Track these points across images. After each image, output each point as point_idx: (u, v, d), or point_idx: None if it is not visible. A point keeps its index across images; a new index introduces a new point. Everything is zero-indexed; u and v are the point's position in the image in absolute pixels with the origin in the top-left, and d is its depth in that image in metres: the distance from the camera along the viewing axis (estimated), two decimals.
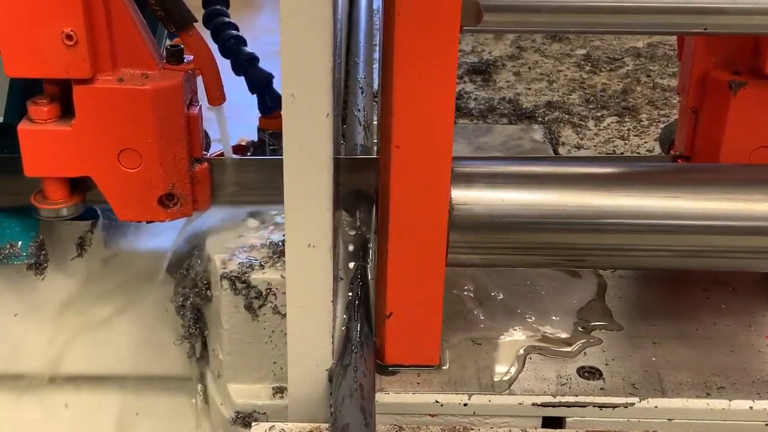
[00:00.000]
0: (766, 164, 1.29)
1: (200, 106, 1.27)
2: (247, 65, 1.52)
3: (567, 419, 1.13)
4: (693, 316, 1.29)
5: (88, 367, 1.49)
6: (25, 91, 1.35)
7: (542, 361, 1.19)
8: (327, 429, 1.05)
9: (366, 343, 1.10)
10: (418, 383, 1.14)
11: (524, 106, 2.07)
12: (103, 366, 1.49)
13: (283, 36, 0.94)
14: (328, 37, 0.95)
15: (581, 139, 1.92)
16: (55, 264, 1.40)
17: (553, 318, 1.27)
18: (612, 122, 1.99)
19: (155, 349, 1.46)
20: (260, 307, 1.29)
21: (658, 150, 1.81)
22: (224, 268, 1.29)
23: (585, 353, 1.21)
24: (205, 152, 1.30)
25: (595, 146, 1.89)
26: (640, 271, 1.38)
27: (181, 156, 1.23)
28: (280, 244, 1.32)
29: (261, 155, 1.62)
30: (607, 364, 1.19)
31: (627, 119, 2.01)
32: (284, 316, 1.20)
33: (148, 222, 1.30)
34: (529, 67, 2.28)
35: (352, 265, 1.22)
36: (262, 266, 1.29)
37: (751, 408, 1.13)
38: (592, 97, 2.11)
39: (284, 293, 1.08)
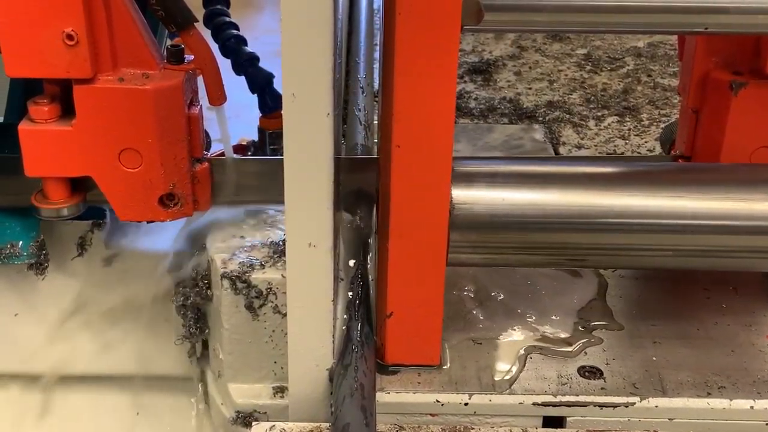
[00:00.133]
0: (767, 164, 1.29)
1: (201, 106, 1.27)
2: (247, 65, 1.52)
3: (568, 419, 1.13)
4: (694, 315, 1.29)
5: (88, 367, 1.49)
6: (25, 91, 1.35)
7: (543, 360, 1.19)
8: (327, 429, 1.05)
9: (366, 343, 1.10)
10: (419, 383, 1.14)
11: (525, 106, 2.07)
12: (104, 366, 1.49)
13: (284, 36, 0.95)
14: (328, 36, 0.95)
15: (582, 138, 1.92)
16: (55, 264, 1.40)
17: (554, 318, 1.27)
18: (613, 122, 1.99)
19: (156, 349, 1.46)
20: (261, 306, 1.29)
21: (658, 149, 1.80)
22: (225, 268, 1.29)
23: (586, 353, 1.21)
24: (205, 152, 1.30)
25: (595, 146, 1.89)
26: (640, 271, 1.38)
27: (181, 156, 1.23)
28: (281, 243, 1.32)
29: (261, 155, 1.62)
30: (607, 364, 1.19)
31: (628, 119, 2.01)
32: (285, 315, 1.20)
33: (148, 222, 1.30)
34: (530, 67, 2.28)
35: (352, 264, 1.22)
36: (262, 266, 1.29)
37: (751, 407, 1.13)
38: (592, 97, 2.11)
39: (285, 293, 1.08)
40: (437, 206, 1.07)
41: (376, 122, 1.64)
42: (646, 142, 1.91)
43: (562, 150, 1.87)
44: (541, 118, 2.00)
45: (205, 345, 1.43)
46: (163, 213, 1.26)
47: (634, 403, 1.13)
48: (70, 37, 1.11)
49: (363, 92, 1.68)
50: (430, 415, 1.13)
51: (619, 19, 1.13)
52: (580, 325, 1.26)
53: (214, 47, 1.39)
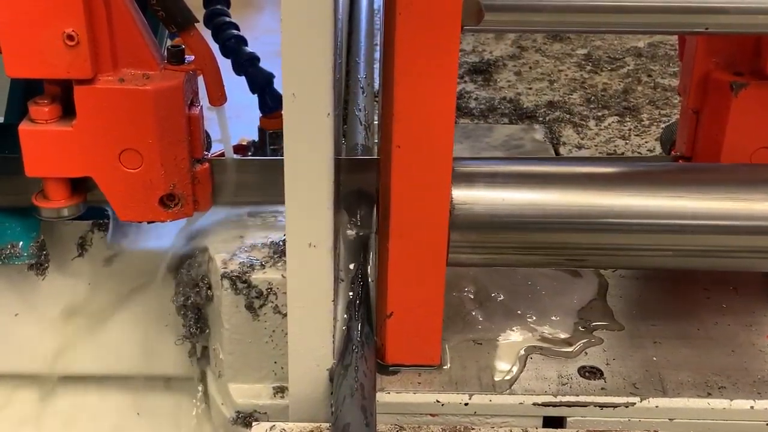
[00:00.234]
0: (767, 164, 1.29)
1: (201, 106, 1.27)
2: (247, 65, 1.52)
3: (568, 419, 1.13)
4: (694, 315, 1.29)
5: (89, 367, 1.49)
6: (26, 91, 1.36)
7: (543, 360, 1.19)
8: (328, 429, 1.05)
9: (367, 343, 1.10)
10: (419, 383, 1.14)
11: (525, 106, 2.07)
12: (104, 366, 1.49)
13: (284, 35, 0.95)
14: (328, 36, 0.95)
15: (582, 138, 1.92)
16: (56, 264, 1.40)
17: (554, 318, 1.27)
18: (613, 122, 1.99)
19: (156, 349, 1.46)
20: (261, 306, 1.29)
21: (658, 149, 1.80)
22: (225, 268, 1.29)
23: (586, 353, 1.21)
24: (206, 152, 1.30)
25: (595, 146, 1.89)
26: (640, 271, 1.38)
27: (182, 156, 1.23)
28: (281, 243, 1.32)
29: (261, 155, 1.62)
30: (608, 364, 1.19)
31: (628, 119, 2.01)
32: (285, 315, 1.20)
33: (149, 222, 1.30)
34: (530, 67, 2.28)
35: (352, 265, 1.22)
36: (262, 266, 1.29)
37: (752, 408, 1.13)
38: (593, 97, 2.10)
39: (285, 293, 1.08)
40: (437, 206, 1.07)
41: (376, 122, 1.64)
42: (646, 142, 1.91)
43: (563, 150, 1.87)
44: (541, 118, 2.00)
45: (206, 345, 1.43)
46: (163, 213, 1.26)
47: (635, 404, 1.13)
48: (70, 37, 1.11)
49: (363, 92, 1.68)
50: (431, 415, 1.13)
51: (619, 19, 1.13)
52: (580, 326, 1.26)
53: (215, 47, 1.39)
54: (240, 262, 1.30)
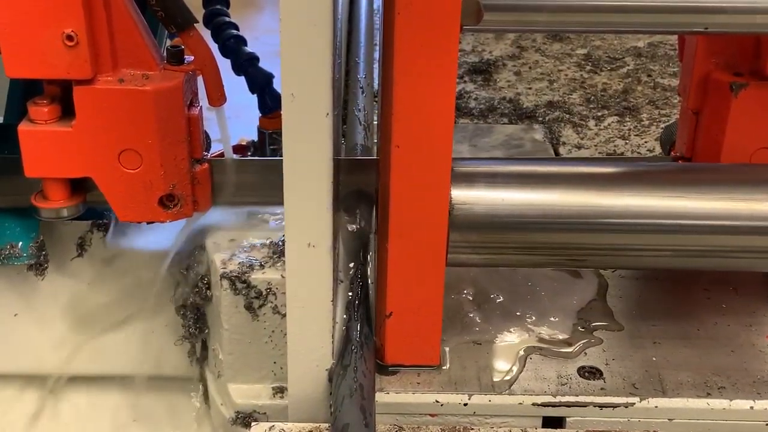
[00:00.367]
0: (767, 164, 1.29)
1: (201, 106, 1.27)
2: (247, 65, 1.52)
3: (567, 419, 1.13)
4: (694, 315, 1.29)
5: (88, 367, 1.49)
6: (25, 91, 1.36)
7: (543, 361, 1.19)
8: (327, 429, 1.05)
9: (366, 343, 1.10)
10: (418, 383, 1.14)
11: (525, 106, 2.07)
12: (104, 366, 1.49)
13: (283, 35, 0.95)
14: (327, 36, 0.95)
15: (582, 138, 1.92)
16: (55, 264, 1.40)
17: (554, 318, 1.27)
18: (613, 122, 1.99)
19: (155, 349, 1.46)
20: (260, 307, 1.29)
21: (658, 149, 1.80)
22: (224, 268, 1.29)
23: (585, 353, 1.21)
24: (205, 153, 1.30)
25: (595, 146, 1.89)
26: (640, 271, 1.38)
27: (181, 157, 1.23)
28: (280, 243, 1.32)
29: (261, 155, 1.62)
30: (607, 364, 1.19)
31: (628, 119, 2.01)
32: (284, 316, 1.20)
33: (148, 223, 1.30)
34: (530, 67, 2.28)
35: (352, 265, 1.22)
36: (262, 266, 1.29)
37: (751, 408, 1.13)
38: (592, 97, 2.10)
39: (284, 293, 1.08)
40: (437, 206, 1.07)
41: (376, 122, 1.64)
42: (646, 142, 1.91)
43: (562, 150, 1.87)
44: (541, 118, 2.00)
45: (205, 345, 1.43)
46: (163, 214, 1.26)
47: (634, 404, 1.13)
48: (70, 37, 1.11)
49: (363, 92, 1.68)
50: (430, 415, 1.13)
51: (619, 18, 1.13)
52: (580, 326, 1.26)
53: (214, 47, 1.39)
54: (239, 263, 1.30)
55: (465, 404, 1.13)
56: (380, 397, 1.12)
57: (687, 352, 1.22)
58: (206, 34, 1.43)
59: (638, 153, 1.86)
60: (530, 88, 2.16)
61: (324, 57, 0.96)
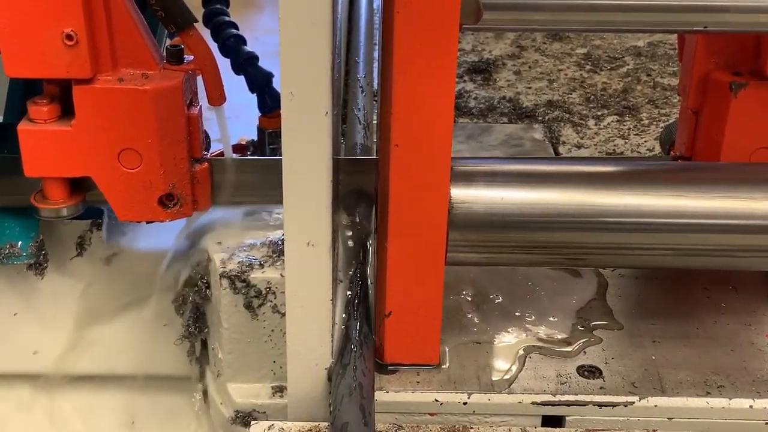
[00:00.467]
0: (767, 163, 1.29)
1: (200, 106, 1.27)
2: (246, 64, 1.52)
3: (566, 418, 1.13)
4: (693, 314, 1.29)
5: (87, 366, 1.49)
6: (25, 91, 1.36)
7: (542, 360, 1.19)
8: (326, 428, 1.05)
9: (365, 342, 1.10)
10: (418, 382, 1.14)
11: (524, 105, 2.07)
12: (103, 365, 1.49)
13: (282, 35, 0.95)
14: (327, 35, 0.95)
15: (581, 138, 1.92)
16: (55, 264, 1.40)
17: (554, 317, 1.27)
18: (612, 121, 1.99)
19: (155, 349, 1.46)
20: (260, 306, 1.29)
21: (658, 149, 1.80)
22: (224, 267, 1.29)
23: (585, 352, 1.21)
24: (205, 152, 1.30)
25: (595, 145, 1.89)
26: (640, 270, 1.38)
27: (181, 156, 1.23)
28: (280, 243, 1.32)
29: (260, 154, 1.62)
30: (606, 363, 1.19)
31: (627, 118, 2.01)
32: (284, 315, 1.20)
33: (148, 222, 1.30)
34: (530, 66, 2.28)
35: (351, 264, 1.22)
36: (261, 265, 1.29)
37: (751, 407, 1.13)
38: (592, 96, 2.11)
39: (284, 292, 1.08)
40: (436, 205, 1.07)
41: (375, 122, 1.64)
42: (645, 141, 1.91)
43: (562, 149, 1.87)
44: (540, 118, 2.00)
45: (204, 344, 1.43)
46: (162, 213, 1.26)
47: (633, 403, 1.13)
48: (69, 37, 1.11)
49: (362, 92, 1.68)
50: (429, 414, 1.13)
51: (619, 18, 1.13)
52: (579, 325, 1.26)
53: (214, 47, 1.39)
54: (239, 262, 1.30)
55: (464, 403, 1.13)
56: (379, 396, 1.12)
57: (686, 351, 1.22)
58: (206, 33, 1.43)
59: (638, 152, 1.86)
60: (530, 88, 2.16)
61: (323, 56, 0.96)
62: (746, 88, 1.26)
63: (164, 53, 1.23)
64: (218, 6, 1.56)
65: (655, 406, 1.13)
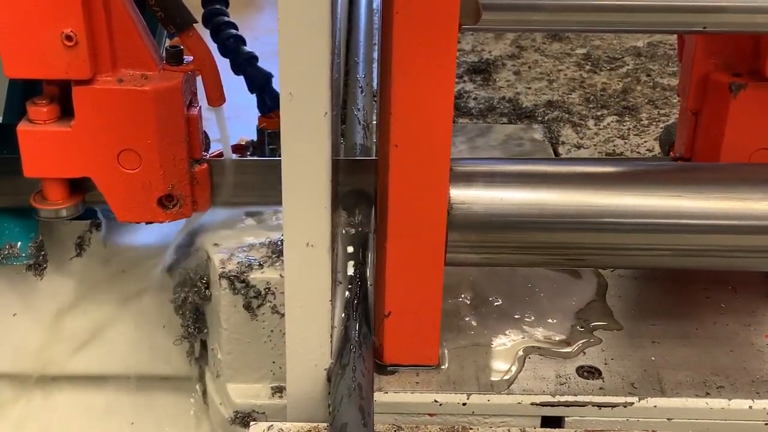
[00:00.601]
0: (767, 163, 1.29)
1: (200, 107, 1.27)
2: (246, 65, 1.52)
3: (566, 419, 1.13)
4: (693, 315, 1.29)
5: (87, 367, 1.49)
6: (24, 91, 1.35)
7: (541, 360, 1.19)
8: (325, 428, 1.05)
9: (365, 343, 1.10)
10: (417, 383, 1.14)
11: (524, 106, 2.07)
12: (103, 366, 1.49)
13: (282, 35, 0.95)
14: (326, 36, 0.95)
15: (581, 138, 1.92)
16: (54, 264, 1.40)
17: (554, 318, 1.27)
18: (612, 121, 1.99)
19: (154, 349, 1.46)
20: (259, 306, 1.29)
21: (657, 149, 1.80)
22: (223, 268, 1.29)
23: (584, 353, 1.21)
24: (204, 153, 1.30)
25: (595, 146, 1.89)
26: (640, 271, 1.38)
27: (180, 157, 1.23)
28: (279, 243, 1.32)
29: (260, 155, 1.62)
30: (606, 364, 1.19)
31: (627, 118, 2.01)
32: (283, 315, 1.20)
33: (147, 223, 1.30)
34: (529, 67, 2.28)
35: (351, 264, 1.22)
36: (260, 266, 1.29)
37: (750, 407, 1.13)
38: (592, 97, 2.11)
39: (283, 293, 1.08)
40: (435, 206, 1.07)
41: (375, 122, 1.64)
42: (645, 141, 1.91)
43: (562, 150, 1.87)
44: (540, 118, 2.00)
45: (204, 345, 1.43)
46: (161, 214, 1.26)
47: (633, 403, 1.13)
48: (69, 38, 1.11)
49: (362, 92, 1.68)
50: (429, 415, 1.13)
51: (618, 18, 1.13)
52: (579, 326, 1.26)
53: (213, 47, 1.39)
54: (238, 262, 1.30)
55: (464, 404, 1.13)
56: (379, 396, 1.12)
57: (686, 351, 1.22)
58: (205, 33, 1.43)
59: (637, 153, 1.86)
60: (530, 88, 2.16)
61: (323, 56, 0.96)
62: (746, 89, 1.26)
63: (164, 54, 1.23)
64: (218, 6, 1.56)
65: (655, 406, 1.13)
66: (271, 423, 1.06)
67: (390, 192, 1.06)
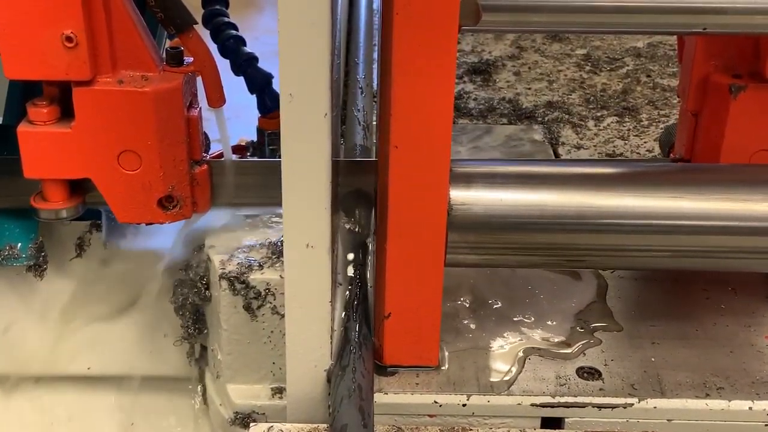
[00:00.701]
0: (766, 164, 1.29)
1: (200, 108, 1.27)
2: (246, 65, 1.52)
3: (566, 420, 1.13)
4: (692, 316, 1.29)
5: (87, 367, 1.49)
6: (24, 92, 1.35)
7: (541, 362, 1.19)
8: (325, 429, 1.05)
9: (365, 344, 1.10)
10: (417, 384, 1.14)
11: (524, 106, 2.07)
12: (103, 366, 1.49)
13: (282, 35, 0.95)
14: (326, 36, 0.95)
15: (581, 139, 1.92)
16: (54, 264, 1.41)
17: (554, 319, 1.27)
18: (612, 122, 1.99)
19: (154, 350, 1.46)
20: (259, 307, 1.29)
21: (657, 150, 1.81)
22: (223, 269, 1.29)
23: (584, 354, 1.21)
24: (204, 154, 1.30)
25: (594, 146, 1.89)
26: (640, 272, 1.38)
27: (180, 158, 1.23)
28: (279, 244, 1.32)
29: (260, 155, 1.62)
30: (606, 365, 1.19)
31: (627, 119, 2.01)
32: (283, 316, 1.20)
33: (147, 224, 1.30)
34: (529, 67, 2.28)
35: (351, 265, 1.22)
36: (260, 266, 1.29)
37: (750, 408, 1.13)
38: (592, 97, 2.11)
39: (283, 293, 1.08)
40: (435, 207, 1.07)
41: (375, 123, 1.64)
42: (645, 142, 1.91)
43: (562, 150, 1.87)
44: (540, 119, 2.00)
45: (204, 346, 1.43)
46: (162, 215, 1.26)
47: (633, 404, 1.13)
48: (69, 39, 1.11)
49: (362, 93, 1.68)
50: (429, 416, 1.13)
51: (618, 19, 1.13)
52: (579, 327, 1.26)
53: (213, 48, 1.39)
54: (238, 263, 1.30)
55: (464, 405, 1.13)
56: (379, 397, 1.12)
57: (686, 352, 1.22)
58: (205, 34, 1.43)
59: (637, 153, 1.86)
60: (529, 89, 2.16)
61: (322, 57, 0.96)
62: (746, 90, 1.26)
63: (164, 55, 1.23)
64: (218, 7, 1.56)
65: (655, 407, 1.13)
66: (271, 424, 1.06)
67: (390, 193, 1.06)
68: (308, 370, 1.10)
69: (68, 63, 1.13)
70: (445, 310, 1.14)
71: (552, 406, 1.13)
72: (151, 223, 1.29)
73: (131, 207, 1.25)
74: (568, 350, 1.21)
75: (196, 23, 1.25)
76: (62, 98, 1.19)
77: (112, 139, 1.20)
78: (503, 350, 1.21)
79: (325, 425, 1.06)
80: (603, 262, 1.24)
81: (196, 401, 1.48)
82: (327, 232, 1.04)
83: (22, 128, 1.19)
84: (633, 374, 1.17)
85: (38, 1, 1.10)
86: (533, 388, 1.14)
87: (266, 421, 1.09)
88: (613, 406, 1.13)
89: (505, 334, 1.24)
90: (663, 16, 1.11)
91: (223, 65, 1.39)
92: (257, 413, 1.33)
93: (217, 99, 1.29)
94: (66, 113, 1.20)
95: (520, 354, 1.20)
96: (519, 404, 1.12)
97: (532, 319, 1.27)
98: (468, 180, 1.12)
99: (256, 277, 1.28)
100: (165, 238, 1.41)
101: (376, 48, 1.95)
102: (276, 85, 1.52)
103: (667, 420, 1.13)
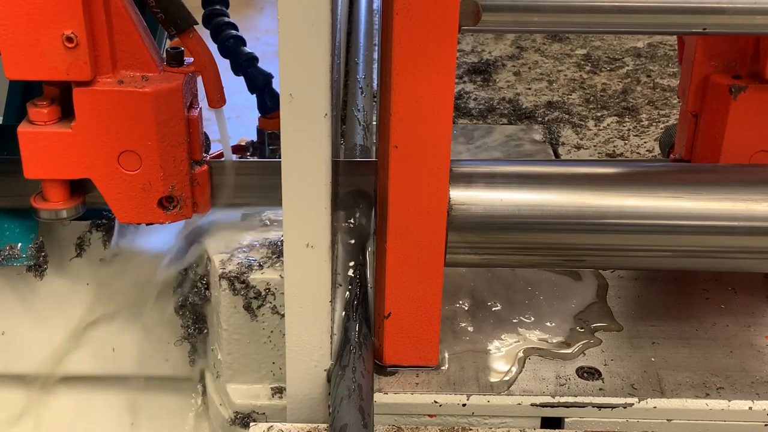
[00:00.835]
0: (766, 164, 1.29)
1: (200, 108, 1.27)
2: (246, 65, 1.52)
3: (566, 420, 1.14)
4: (693, 316, 1.29)
5: (87, 367, 1.49)
6: (24, 93, 1.36)
7: (541, 362, 1.19)
8: (325, 429, 1.05)
9: (364, 344, 1.11)
10: (417, 384, 1.14)
11: (524, 106, 2.07)
12: (103, 366, 1.49)
13: (282, 36, 0.95)
14: (326, 36, 0.95)
15: (581, 139, 1.92)
16: (54, 264, 1.41)
17: (554, 319, 1.27)
18: (612, 122, 1.99)
19: (154, 350, 1.46)
20: (259, 307, 1.29)
21: (657, 150, 1.81)
22: (223, 269, 1.29)
23: (584, 354, 1.21)
24: (204, 154, 1.30)
25: (594, 146, 1.89)
26: (640, 272, 1.38)
27: (181, 158, 1.23)
28: (279, 244, 1.32)
29: (260, 155, 1.63)
30: (606, 365, 1.19)
31: (627, 119, 2.01)
32: (283, 316, 1.20)
33: (147, 224, 1.30)
34: (529, 67, 2.28)
35: (351, 265, 1.22)
36: (260, 266, 1.29)
37: (750, 408, 1.13)
38: (592, 97, 2.11)
39: (283, 293, 1.08)
40: (435, 207, 1.07)
41: (375, 123, 1.64)
42: (645, 142, 1.91)
43: (562, 150, 1.87)
44: (540, 119, 2.00)
45: (204, 346, 1.43)
46: (162, 215, 1.26)
47: (633, 404, 1.13)
48: (69, 39, 1.11)
49: (362, 93, 1.68)
50: (428, 416, 1.13)
51: (618, 19, 1.13)
52: (579, 326, 1.26)
53: (213, 48, 1.39)
54: (238, 263, 1.30)
55: (463, 405, 1.13)
56: (379, 397, 1.12)
57: (686, 352, 1.22)
58: (205, 34, 1.43)
59: (637, 153, 1.86)
60: (530, 89, 2.16)
61: (322, 57, 0.96)
62: (746, 91, 1.26)
63: (164, 55, 1.23)
64: (218, 7, 1.57)
65: (655, 407, 1.13)
66: (271, 424, 1.06)
67: (390, 193, 1.06)
68: (308, 370, 1.10)
69: (68, 63, 1.13)
70: (445, 312, 1.14)
71: (552, 406, 1.13)
72: (151, 223, 1.29)
73: (131, 207, 1.25)
74: (568, 350, 1.21)
75: (196, 23, 1.25)
76: (62, 98, 1.20)
77: (113, 139, 1.20)
78: (503, 350, 1.21)
79: (325, 425, 1.06)
80: (603, 262, 1.24)
81: (196, 401, 1.48)
82: (327, 232, 1.04)
83: (23, 128, 1.19)
84: (633, 374, 1.17)
85: (39, 1, 1.10)
86: (533, 388, 1.14)
87: (266, 421, 1.09)
88: (613, 406, 1.13)
89: (504, 335, 1.24)
90: (663, 16, 1.11)
91: (223, 65, 1.39)
92: (257, 413, 1.33)
93: (217, 99, 1.29)
94: (66, 113, 1.20)
95: (520, 354, 1.20)
96: (519, 404, 1.13)
97: (532, 319, 1.27)
98: (468, 180, 1.12)
99: (256, 277, 1.28)
100: (165, 239, 1.41)
101: (376, 48, 1.95)
102: (276, 85, 1.52)
103: (667, 420, 1.13)
